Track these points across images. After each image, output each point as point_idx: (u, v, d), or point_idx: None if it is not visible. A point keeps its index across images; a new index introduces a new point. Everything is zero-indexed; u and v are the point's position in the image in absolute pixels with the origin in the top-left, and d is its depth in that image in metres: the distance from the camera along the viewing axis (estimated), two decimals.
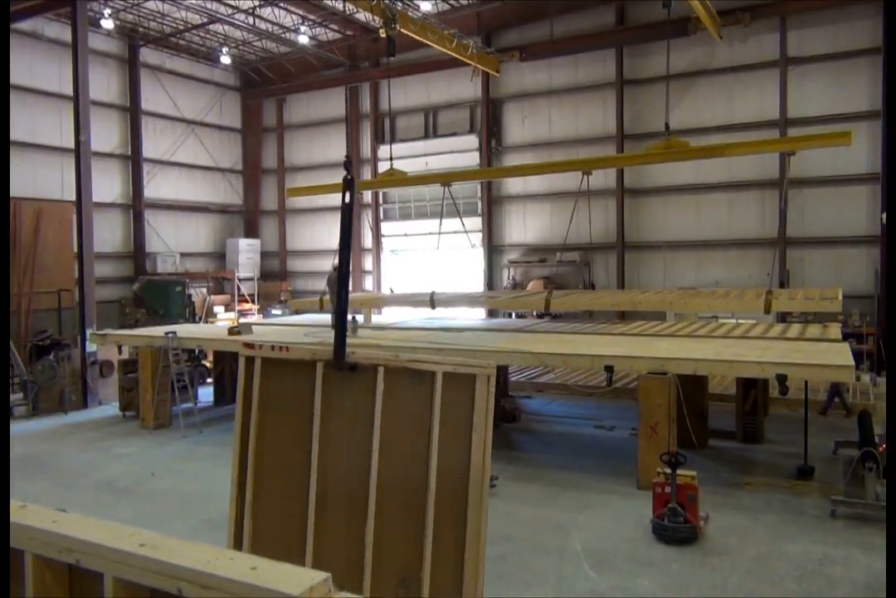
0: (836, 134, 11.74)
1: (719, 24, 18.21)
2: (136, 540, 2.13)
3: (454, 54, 20.07)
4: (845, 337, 11.54)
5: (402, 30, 18.32)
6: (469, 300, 15.47)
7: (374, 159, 24.93)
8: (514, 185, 22.56)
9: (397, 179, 16.87)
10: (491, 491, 8.80)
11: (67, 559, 2.20)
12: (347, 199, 4.78)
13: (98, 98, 20.78)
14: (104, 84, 22.03)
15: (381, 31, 16.13)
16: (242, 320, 20.15)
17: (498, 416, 12.68)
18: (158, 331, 13.89)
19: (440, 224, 16.23)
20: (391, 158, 18.01)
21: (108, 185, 21.91)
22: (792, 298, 11.64)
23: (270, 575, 1.91)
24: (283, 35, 23.36)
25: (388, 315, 17.98)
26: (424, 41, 18.99)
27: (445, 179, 16.28)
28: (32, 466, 10.43)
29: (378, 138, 24.97)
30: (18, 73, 18.95)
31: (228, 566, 1.97)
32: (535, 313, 18.48)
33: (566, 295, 14.40)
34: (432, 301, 13.90)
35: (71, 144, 16.03)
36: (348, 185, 4.88)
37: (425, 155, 23.71)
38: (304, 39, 22.02)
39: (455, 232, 23.82)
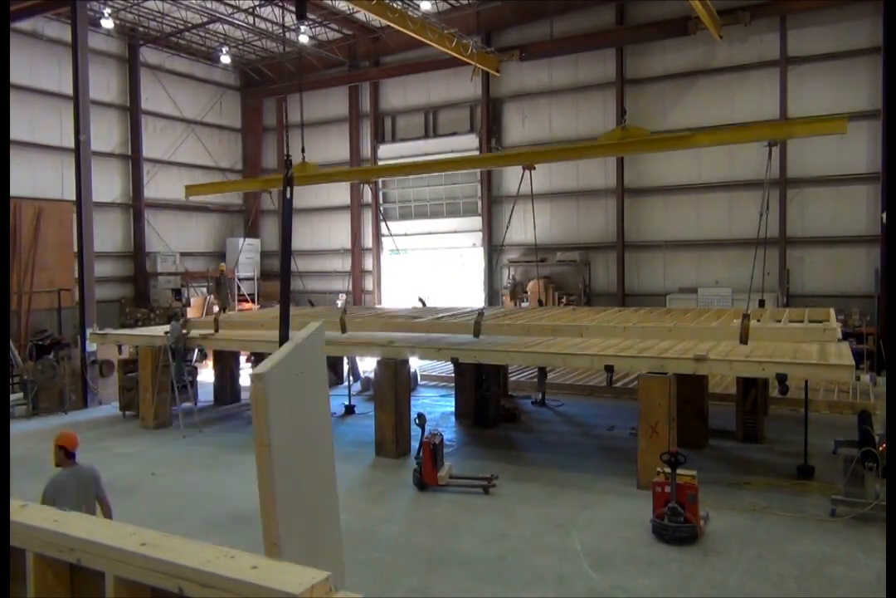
0: (830, 121, 9.69)
1: (719, 24, 18.21)
2: (138, 539, 2.13)
3: (454, 54, 20.07)
4: (845, 337, 11.51)
5: (402, 29, 18.35)
6: (383, 323, 12.39)
7: (374, 159, 24.94)
8: (514, 183, 22.52)
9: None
10: (491, 491, 8.84)
11: (69, 559, 2.20)
12: (288, 195, 5.01)
13: (98, 98, 20.79)
14: (104, 84, 22.03)
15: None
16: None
17: (498, 416, 12.69)
18: (158, 330, 13.89)
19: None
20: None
21: (108, 184, 21.91)
22: (776, 319, 10.39)
23: (271, 574, 1.91)
24: (282, 35, 23.37)
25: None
26: (424, 41, 18.98)
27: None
28: (32, 465, 10.41)
29: (378, 138, 24.98)
30: (18, 73, 18.95)
31: (229, 565, 1.97)
32: None
33: (504, 315, 12.61)
34: (343, 325, 11.87)
35: (71, 143, 16.03)
36: (288, 181, 5.04)
37: (426, 154, 23.71)
38: (304, 39, 22.01)
39: (454, 232, 23.95)
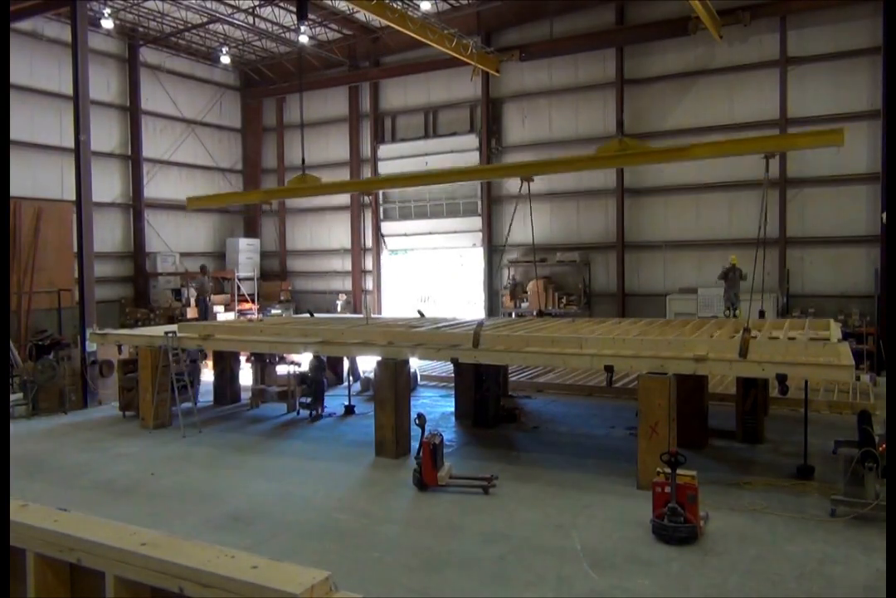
0: (828, 132, 9.44)
1: (719, 24, 18.22)
2: (138, 539, 2.13)
3: (454, 54, 20.08)
4: (845, 337, 11.52)
5: (402, 29, 18.36)
6: (382, 333, 11.31)
7: (374, 159, 24.94)
8: (514, 184, 22.50)
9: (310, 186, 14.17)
10: (491, 491, 8.84)
11: (69, 558, 2.20)
12: None
13: (98, 98, 20.79)
14: (104, 84, 22.03)
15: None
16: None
17: (498, 416, 12.68)
18: (158, 330, 13.89)
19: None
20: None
21: (108, 184, 21.92)
22: (776, 328, 10.32)
23: (271, 574, 1.91)
24: (282, 35, 23.38)
25: (389, 314, 17.99)
26: (424, 41, 18.99)
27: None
28: (32, 465, 10.42)
29: (378, 138, 24.98)
30: (18, 73, 18.96)
31: (230, 564, 1.97)
32: (534, 313, 18.49)
33: (505, 325, 12.23)
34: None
35: (71, 143, 16.02)
36: None
37: (425, 155, 23.75)
38: (304, 39, 22.03)
39: (454, 232, 23.95)
